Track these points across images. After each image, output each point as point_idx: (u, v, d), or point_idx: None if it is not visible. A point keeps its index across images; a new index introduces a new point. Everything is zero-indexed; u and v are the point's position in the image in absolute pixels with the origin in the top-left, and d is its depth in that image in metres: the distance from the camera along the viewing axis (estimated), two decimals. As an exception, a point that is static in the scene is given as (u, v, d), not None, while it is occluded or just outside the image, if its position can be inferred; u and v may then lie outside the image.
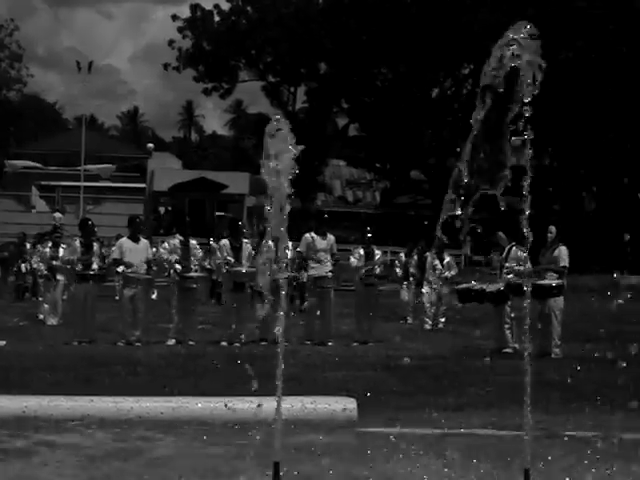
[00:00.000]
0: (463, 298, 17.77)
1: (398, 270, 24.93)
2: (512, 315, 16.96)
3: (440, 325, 22.68)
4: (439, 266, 22.98)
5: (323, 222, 19.22)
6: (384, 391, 11.56)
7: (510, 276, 16.90)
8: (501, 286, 16.84)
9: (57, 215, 42.14)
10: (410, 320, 23.80)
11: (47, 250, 22.13)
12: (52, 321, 21.55)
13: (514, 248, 17.21)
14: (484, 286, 17.40)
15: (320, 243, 18.41)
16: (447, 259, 23.61)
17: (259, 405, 6.65)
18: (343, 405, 7.75)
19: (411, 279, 24.06)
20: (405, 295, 24.68)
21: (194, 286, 18.29)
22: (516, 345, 16.56)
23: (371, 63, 57.71)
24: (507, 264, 17.25)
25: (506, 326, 17.08)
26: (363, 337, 18.49)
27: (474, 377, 12.99)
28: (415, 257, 23.86)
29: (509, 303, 16.96)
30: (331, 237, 18.74)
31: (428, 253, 23.51)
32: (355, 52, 55.57)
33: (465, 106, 57.23)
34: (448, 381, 12.62)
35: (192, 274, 18.04)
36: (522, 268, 16.32)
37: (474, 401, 10.98)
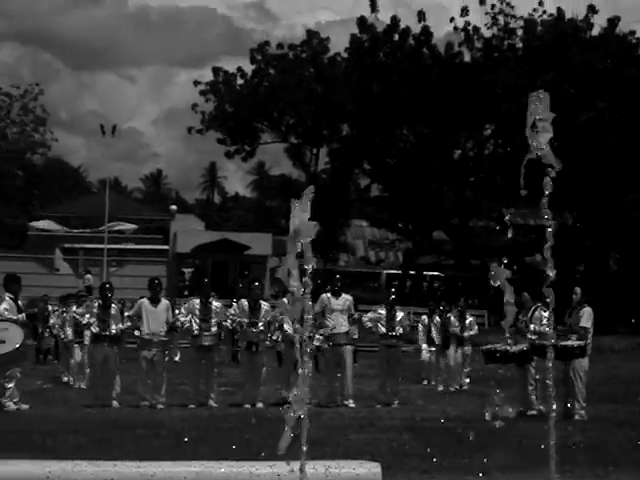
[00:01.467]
0: (488, 359, 17.69)
1: (421, 331, 24.82)
2: (536, 376, 16.87)
3: (465, 386, 22.58)
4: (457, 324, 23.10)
5: (337, 282, 19.15)
6: (408, 454, 11.46)
7: (534, 337, 16.84)
8: (525, 347, 16.75)
9: (88, 276, 42.32)
10: (433, 382, 23.66)
11: (72, 312, 22.20)
12: (79, 384, 21.56)
13: (538, 309, 17.16)
14: (508, 347, 17.31)
15: (335, 303, 18.44)
16: (469, 319, 23.58)
17: (288, 464, 6.56)
18: (368, 469, 7.67)
19: (434, 340, 23.90)
20: (426, 356, 24.54)
21: (209, 344, 18.04)
22: (541, 407, 16.43)
23: (393, 124, 58.02)
24: (531, 325, 17.19)
25: (530, 387, 16.98)
26: (387, 399, 18.41)
27: (499, 439, 12.87)
28: (437, 318, 23.73)
29: (533, 364, 16.88)
30: (347, 297, 18.76)
31: (450, 314, 23.49)
32: (377, 114, 55.92)
33: (487, 167, 57.48)
34: (473, 444, 12.50)
35: (207, 333, 17.93)
36: (545, 329, 16.26)
37: (499, 464, 10.87)
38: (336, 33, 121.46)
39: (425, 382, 23.93)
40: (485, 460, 11.12)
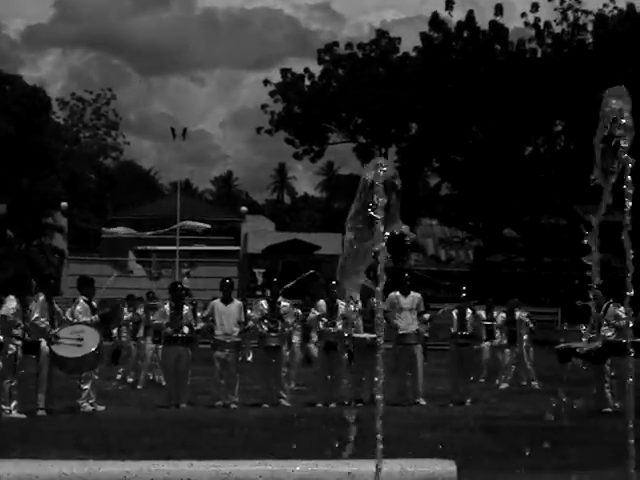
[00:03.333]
0: (562, 357, 17.53)
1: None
2: (612, 374, 16.67)
3: (533, 383, 22.38)
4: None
5: (406, 280, 19.09)
6: (483, 453, 11.40)
7: (609, 334, 16.65)
8: (599, 344, 16.57)
9: (185, 279, 42.76)
10: (505, 379, 23.45)
11: (142, 313, 22.44)
12: (140, 385, 21.79)
13: (611, 305, 16.96)
14: (583, 345, 17.13)
15: (404, 302, 18.40)
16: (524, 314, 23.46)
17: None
18: (443, 468, 7.65)
19: (498, 337, 23.60)
20: (487, 354, 24.29)
21: (276, 345, 18.08)
22: (617, 405, 16.24)
23: (462, 122, 57.71)
24: (605, 322, 17.00)
25: (606, 385, 16.79)
26: (459, 397, 18.33)
27: (574, 438, 12.75)
28: (502, 314, 23.40)
29: (608, 362, 16.68)
30: (416, 295, 18.71)
31: (517, 310, 23.25)
32: (446, 112, 55.68)
33: (558, 163, 56.85)
34: (548, 442, 12.39)
35: (274, 333, 17.97)
36: (621, 324, 16.08)
37: (575, 462, 10.76)
38: (403, 31, 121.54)
39: (482, 380, 23.59)
40: (560, 458, 11.02)
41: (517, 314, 23.10)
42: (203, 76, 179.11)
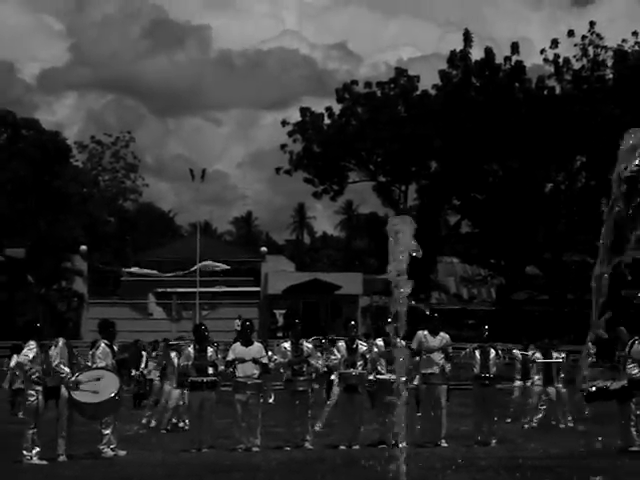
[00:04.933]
0: (589, 397, 17.32)
1: (517, 368, 24.42)
2: (637, 412, 16.45)
3: (569, 424, 22.17)
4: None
5: (434, 320, 19.00)
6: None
7: (635, 372, 16.45)
8: (625, 382, 16.37)
9: (237, 322, 42.69)
10: (531, 420, 23.19)
11: (173, 358, 22.21)
12: (164, 429, 21.62)
13: (637, 343, 16.77)
14: (608, 383, 16.93)
15: (433, 341, 18.28)
16: (563, 355, 23.29)
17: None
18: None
19: (535, 377, 23.34)
20: (518, 393, 24.02)
21: (303, 389, 17.98)
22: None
23: (482, 160, 57.75)
24: (630, 359, 16.79)
25: (631, 423, 16.55)
26: (484, 438, 18.12)
27: (602, 477, 12.55)
28: (537, 354, 23.23)
29: (634, 400, 16.47)
30: (445, 336, 18.56)
31: (554, 351, 23.07)
32: (466, 149, 55.74)
33: (579, 199, 56.74)
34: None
35: (300, 377, 17.87)
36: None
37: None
38: (420, 69, 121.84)
39: (524, 420, 23.40)
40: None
41: (554, 355, 22.94)
42: (219, 117, 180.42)
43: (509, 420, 23.32)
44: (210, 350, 18.00)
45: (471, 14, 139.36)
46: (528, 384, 23.52)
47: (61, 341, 16.13)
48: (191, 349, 18.00)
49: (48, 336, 16.47)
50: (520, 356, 24.34)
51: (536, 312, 56.58)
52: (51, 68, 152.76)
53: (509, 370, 24.07)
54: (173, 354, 22.16)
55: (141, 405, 28.91)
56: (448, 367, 18.70)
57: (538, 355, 23.12)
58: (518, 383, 24.03)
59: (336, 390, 21.20)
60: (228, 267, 61.66)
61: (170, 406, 21.94)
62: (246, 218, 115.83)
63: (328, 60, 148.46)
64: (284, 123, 66.17)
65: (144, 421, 22.39)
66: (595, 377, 18.78)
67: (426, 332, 18.33)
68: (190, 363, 17.79)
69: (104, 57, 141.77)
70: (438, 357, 18.24)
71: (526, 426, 22.08)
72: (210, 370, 17.67)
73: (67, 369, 15.83)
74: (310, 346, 18.34)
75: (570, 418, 22.32)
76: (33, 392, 15.55)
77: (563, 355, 23.39)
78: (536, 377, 23.10)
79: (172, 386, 21.86)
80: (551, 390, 22.59)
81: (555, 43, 56.08)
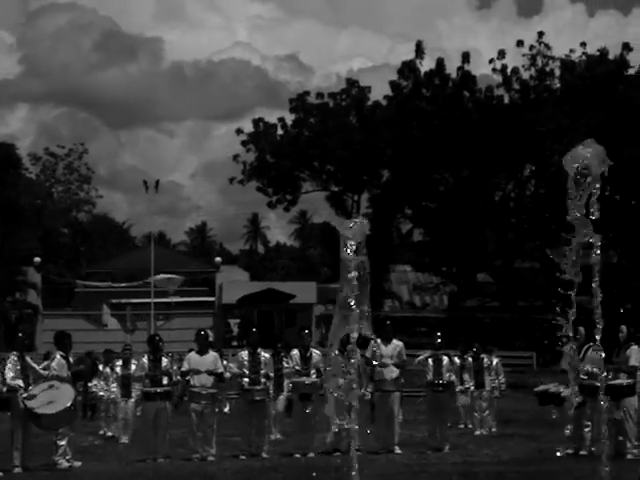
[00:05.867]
0: (541, 400, 17.59)
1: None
2: (592, 417, 16.71)
3: (493, 429, 22.52)
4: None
5: (387, 328, 19.16)
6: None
7: (585, 377, 16.71)
8: (576, 388, 16.60)
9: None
10: (470, 425, 23.51)
11: (118, 368, 22.33)
12: (124, 439, 21.66)
13: (590, 350, 17.01)
14: (561, 388, 17.20)
15: (385, 349, 18.46)
16: (495, 361, 23.64)
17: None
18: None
19: (467, 383, 23.62)
20: (464, 399, 24.30)
21: (260, 399, 18.08)
22: (592, 448, 16.28)
23: (433, 168, 58.15)
24: (582, 366, 17.03)
25: (586, 429, 16.80)
26: (437, 444, 18.33)
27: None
28: (469, 359, 23.57)
29: (588, 405, 16.72)
30: (398, 343, 18.75)
31: (484, 355, 23.42)
32: (417, 158, 56.10)
33: (528, 207, 57.30)
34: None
35: (257, 387, 17.97)
36: (597, 370, 16.13)
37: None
38: (371, 79, 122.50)
39: (462, 425, 23.74)
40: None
41: (484, 359, 23.26)
42: (172, 128, 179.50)
43: (462, 425, 23.63)
44: (165, 360, 18.07)
45: (421, 26, 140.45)
46: (461, 389, 23.78)
47: (13, 355, 16.17)
48: (145, 359, 18.04)
49: (1, 348, 16.48)
50: (457, 362, 24.55)
51: (487, 319, 57.05)
52: (2, 80, 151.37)
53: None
54: (119, 363, 22.32)
55: (93, 416, 28.89)
56: (401, 374, 18.91)
57: (470, 360, 23.47)
58: (459, 388, 24.26)
59: (282, 398, 21.42)
60: (183, 277, 61.44)
61: (124, 417, 22.01)
62: (200, 228, 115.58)
63: (280, 71, 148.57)
64: (238, 132, 66.29)
65: (101, 432, 22.46)
66: (548, 381, 19.09)
67: (379, 340, 18.53)
68: (144, 374, 17.86)
69: (56, 69, 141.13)
70: (391, 364, 18.44)
71: (478, 432, 22.36)
72: (165, 380, 17.74)
73: (19, 382, 15.86)
74: (267, 355, 18.46)
75: (494, 423, 22.72)
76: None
77: (496, 360, 23.77)
78: (469, 382, 23.42)
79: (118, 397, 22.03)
80: (484, 394, 22.98)
81: (502, 54, 56.64)
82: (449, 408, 19.48)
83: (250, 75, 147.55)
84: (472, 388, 23.21)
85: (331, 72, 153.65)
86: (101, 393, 23.72)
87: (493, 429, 22.68)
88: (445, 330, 25.47)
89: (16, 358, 16.07)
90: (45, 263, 58.47)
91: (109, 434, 22.64)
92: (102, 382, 23.91)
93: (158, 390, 17.60)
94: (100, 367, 27.97)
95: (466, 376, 23.35)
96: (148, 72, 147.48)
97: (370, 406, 19.91)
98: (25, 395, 15.73)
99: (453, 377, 19.52)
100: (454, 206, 57.14)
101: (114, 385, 22.54)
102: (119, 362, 22.43)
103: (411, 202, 61.71)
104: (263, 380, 18.03)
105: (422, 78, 58.81)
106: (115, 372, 22.54)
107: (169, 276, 59.19)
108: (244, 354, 18.24)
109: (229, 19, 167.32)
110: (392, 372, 18.46)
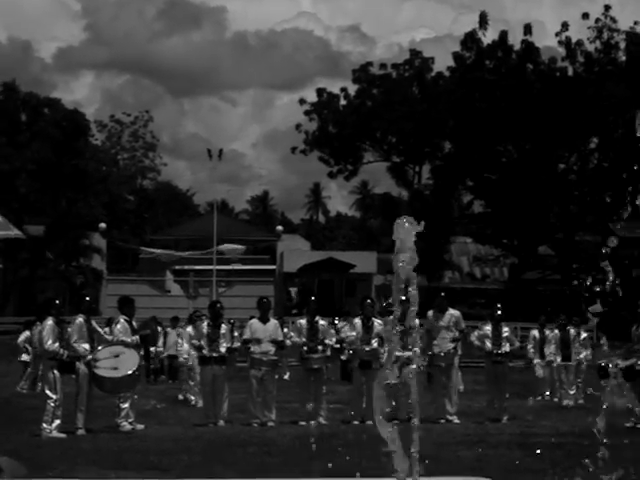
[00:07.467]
0: (602, 374, 17.54)
1: (531, 346, 24.62)
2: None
3: (580, 401, 22.46)
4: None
5: (442, 300, 19.18)
6: (520, 470, 11.45)
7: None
8: (635, 362, 16.55)
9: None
10: (549, 397, 23.52)
11: (187, 333, 22.42)
12: (201, 404, 21.90)
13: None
14: (619, 362, 17.13)
15: (441, 320, 18.51)
16: (584, 335, 23.62)
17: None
18: (478, 484, 7.73)
19: (549, 354, 23.60)
20: (540, 371, 24.28)
21: (318, 367, 18.23)
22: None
23: (495, 140, 57.76)
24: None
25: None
26: (495, 415, 18.37)
27: (611, 454, 12.75)
28: (555, 331, 23.54)
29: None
30: (454, 312, 18.77)
31: (570, 327, 23.39)
32: (478, 130, 55.75)
33: (592, 180, 56.73)
34: (585, 459, 12.40)
35: (315, 355, 18.10)
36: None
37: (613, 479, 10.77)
38: (433, 51, 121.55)
39: (539, 397, 23.72)
40: (597, 475, 11.04)
41: (571, 330, 23.26)
42: (235, 97, 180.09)
43: (539, 398, 23.67)
44: (224, 327, 18.26)
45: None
46: (543, 363, 23.82)
47: (79, 318, 16.44)
48: (205, 325, 18.26)
49: (67, 312, 16.75)
50: (537, 335, 24.54)
51: (548, 292, 56.70)
52: (68, 47, 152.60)
53: (522, 348, 24.30)
54: (189, 329, 22.46)
55: (156, 380, 29.30)
56: (458, 345, 18.95)
57: (556, 332, 23.44)
58: (537, 361, 24.26)
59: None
60: (244, 247, 61.69)
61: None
62: (262, 197, 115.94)
63: (342, 42, 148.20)
64: (302, 101, 66.33)
65: (180, 397, 22.88)
66: (609, 355, 18.99)
67: (433, 311, 18.60)
68: (203, 341, 18.05)
69: (120, 37, 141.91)
70: (447, 335, 18.49)
71: (566, 402, 22.38)
72: (222, 347, 17.88)
73: (86, 346, 16.14)
74: (325, 323, 18.59)
75: (583, 395, 22.66)
76: (49, 366, 15.92)
77: (584, 335, 23.75)
78: (553, 355, 23.38)
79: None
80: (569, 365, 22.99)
81: (565, 26, 56.01)
82: (508, 378, 19.46)
83: (312, 45, 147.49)
84: (558, 360, 23.21)
85: (393, 43, 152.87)
86: (184, 356, 23.48)
87: (579, 401, 22.60)
88: (505, 302, 25.43)
89: (82, 321, 16.34)
90: (110, 229, 59.16)
91: (181, 397, 22.97)
92: (184, 345, 23.61)
93: (214, 354, 17.80)
94: (161, 331, 28.38)
95: (552, 348, 23.34)
96: (211, 41, 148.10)
97: (427, 376, 20.00)
98: (90, 357, 16.03)
99: (508, 347, 19.43)
100: (516, 178, 56.76)
101: (189, 350, 22.50)
102: (189, 328, 22.53)
103: (472, 174, 61.42)
104: (321, 348, 18.18)
105: (485, 49, 58.36)
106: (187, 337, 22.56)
107: (233, 246, 59.58)
108: (303, 322, 18.38)
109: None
110: (447, 344, 18.52)
